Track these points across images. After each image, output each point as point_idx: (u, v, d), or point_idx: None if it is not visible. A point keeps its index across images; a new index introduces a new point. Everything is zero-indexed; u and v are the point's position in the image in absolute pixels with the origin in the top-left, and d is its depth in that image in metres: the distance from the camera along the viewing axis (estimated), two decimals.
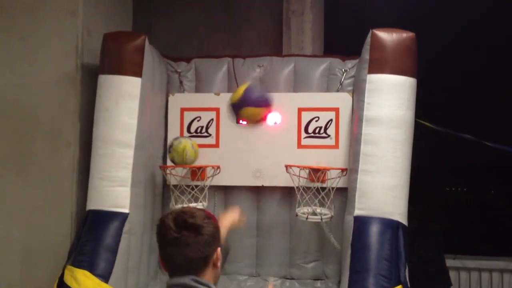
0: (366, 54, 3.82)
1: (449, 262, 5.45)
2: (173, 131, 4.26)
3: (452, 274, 5.43)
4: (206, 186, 4.07)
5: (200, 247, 2.14)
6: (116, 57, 3.88)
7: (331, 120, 4.11)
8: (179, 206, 4.02)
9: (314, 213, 3.85)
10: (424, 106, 4.13)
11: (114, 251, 3.67)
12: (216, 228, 2.22)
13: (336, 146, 4.10)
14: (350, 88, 4.14)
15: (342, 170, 3.89)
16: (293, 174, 3.88)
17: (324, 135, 4.12)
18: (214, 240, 2.19)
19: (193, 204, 4.02)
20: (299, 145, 4.14)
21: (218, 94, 4.27)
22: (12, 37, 4.10)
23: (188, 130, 4.26)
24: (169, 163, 4.13)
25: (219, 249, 2.23)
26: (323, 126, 4.12)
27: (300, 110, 4.16)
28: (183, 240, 2.13)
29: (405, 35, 3.79)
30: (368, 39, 3.83)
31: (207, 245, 2.16)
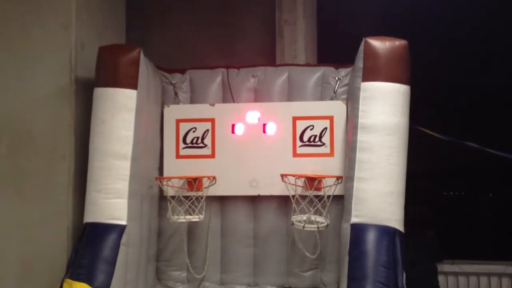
0: (359, 62, 3.84)
1: (447, 267, 5.46)
2: (169, 143, 4.28)
3: (450, 279, 5.44)
4: (203, 197, 4.08)
5: None
6: (112, 70, 3.90)
7: (326, 128, 4.12)
8: (175, 217, 4.02)
9: (310, 222, 3.85)
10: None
11: (112, 263, 3.67)
12: None
13: (331, 154, 4.12)
14: (344, 96, 4.16)
15: (338, 178, 3.90)
16: (289, 183, 3.89)
17: (319, 143, 4.14)
18: None
19: (189, 217, 4.03)
20: (295, 154, 4.15)
21: (213, 105, 4.29)
22: (5, 53, 4.12)
23: (184, 141, 4.27)
24: (165, 174, 4.14)
25: None
26: (318, 134, 4.13)
27: (294, 119, 4.17)
28: None
29: (397, 42, 3.82)
30: (361, 47, 3.85)
31: None
